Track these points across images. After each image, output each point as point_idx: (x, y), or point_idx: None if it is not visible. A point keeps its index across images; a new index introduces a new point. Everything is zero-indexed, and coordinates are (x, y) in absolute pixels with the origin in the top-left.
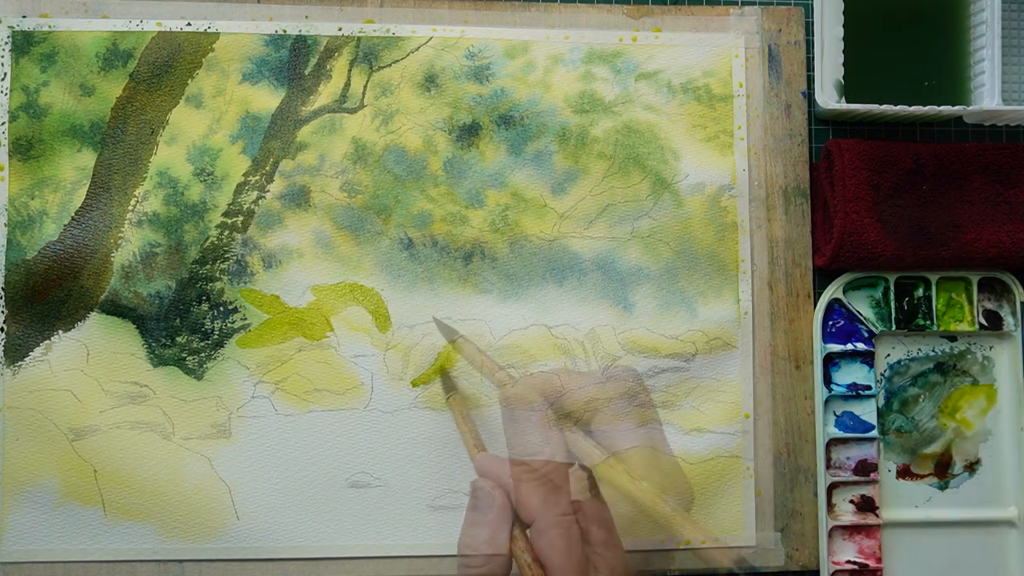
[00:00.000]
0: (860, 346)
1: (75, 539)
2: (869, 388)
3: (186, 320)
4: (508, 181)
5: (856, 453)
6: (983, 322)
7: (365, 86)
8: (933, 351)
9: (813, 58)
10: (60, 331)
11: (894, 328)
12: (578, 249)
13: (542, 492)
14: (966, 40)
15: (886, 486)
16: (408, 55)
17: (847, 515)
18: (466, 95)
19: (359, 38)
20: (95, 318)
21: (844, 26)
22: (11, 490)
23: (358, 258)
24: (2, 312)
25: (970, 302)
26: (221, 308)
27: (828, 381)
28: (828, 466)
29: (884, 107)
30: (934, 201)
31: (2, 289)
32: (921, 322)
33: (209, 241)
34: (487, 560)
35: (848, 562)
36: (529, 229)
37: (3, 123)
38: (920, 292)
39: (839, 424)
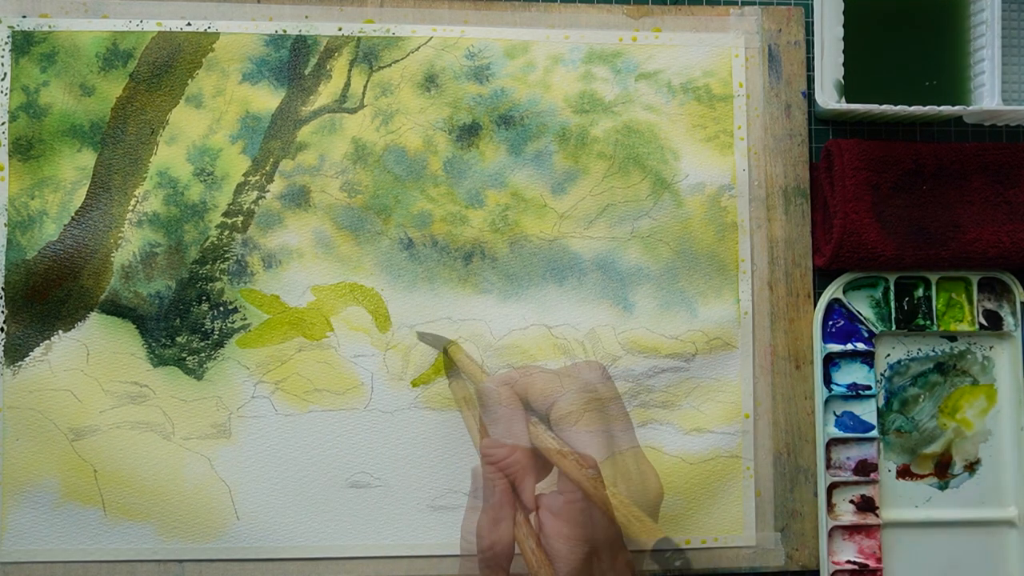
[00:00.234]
0: (860, 346)
1: (75, 539)
2: (869, 388)
3: (186, 320)
4: (508, 181)
5: (856, 453)
6: (983, 322)
7: (365, 86)
8: (933, 351)
9: (813, 58)
10: (60, 331)
11: (894, 328)
12: (578, 249)
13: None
14: (966, 40)
15: (886, 486)
16: (408, 55)
17: (847, 515)
18: (466, 95)
19: (359, 38)
20: (95, 318)
21: (844, 26)
22: (11, 490)
23: (358, 258)
24: (2, 312)
25: (970, 302)
26: (221, 308)
27: (828, 381)
28: (828, 466)
29: (884, 107)
30: (934, 201)
31: (2, 289)
32: (921, 322)
33: (209, 241)
34: (510, 451)
35: (848, 562)
36: (529, 229)
37: (3, 123)
38: (920, 292)
39: (839, 424)
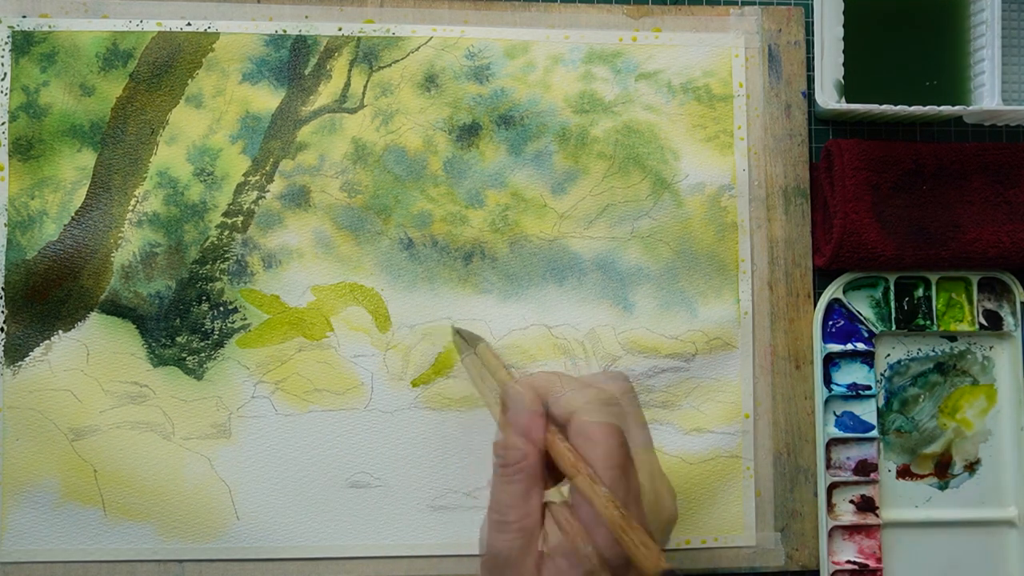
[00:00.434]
0: (860, 346)
1: (75, 539)
2: (869, 388)
3: (186, 320)
4: (508, 181)
5: (856, 453)
6: (983, 322)
7: (365, 86)
8: (933, 351)
9: (813, 58)
10: (60, 331)
11: (894, 328)
12: (578, 249)
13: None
14: (966, 40)
15: (886, 486)
16: (408, 55)
17: (847, 515)
18: (466, 95)
19: (359, 38)
20: (95, 318)
21: (844, 26)
22: (11, 490)
23: (358, 258)
24: (2, 312)
25: (970, 302)
26: (221, 308)
27: (828, 381)
28: (828, 466)
29: (884, 107)
30: (934, 201)
31: (2, 289)
32: (921, 322)
33: (209, 241)
34: (524, 455)
35: (848, 562)
36: (529, 229)
37: (3, 123)
38: (920, 292)
39: (839, 424)
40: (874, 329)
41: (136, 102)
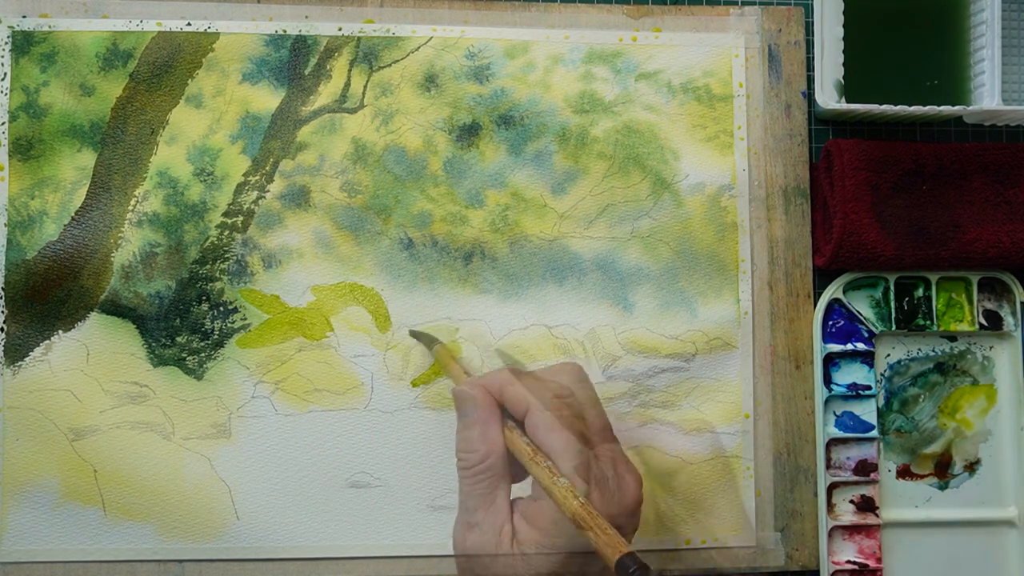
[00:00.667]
0: (860, 346)
1: (75, 539)
2: (869, 388)
3: (186, 320)
4: (508, 181)
5: (856, 453)
6: (983, 322)
7: (365, 86)
8: (933, 351)
9: (813, 58)
10: (60, 331)
11: (894, 328)
12: (578, 249)
13: (531, 387)
14: (966, 40)
15: (886, 486)
16: (408, 55)
17: (847, 515)
18: (466, 95)
19: (359, 38)
20: (95, 318)
21: (844, 26)
22: (11, 490)
23: (358, 258)
24: (2, 312)
25: (970, 302)
26: (221, 308)
27: (828, 381)
28: (828, 466)
29: (884, 107)
30: (934, 201)
31: (2, 289)
32: (921, 322)
33: (209, 241)
34: (484, 455)
35: (848, 562)
36: (529, 229)
37: (3, 123)
38: (920, 292)
39: (839, 424)
40: (874, 329)
41: (136, 102)
